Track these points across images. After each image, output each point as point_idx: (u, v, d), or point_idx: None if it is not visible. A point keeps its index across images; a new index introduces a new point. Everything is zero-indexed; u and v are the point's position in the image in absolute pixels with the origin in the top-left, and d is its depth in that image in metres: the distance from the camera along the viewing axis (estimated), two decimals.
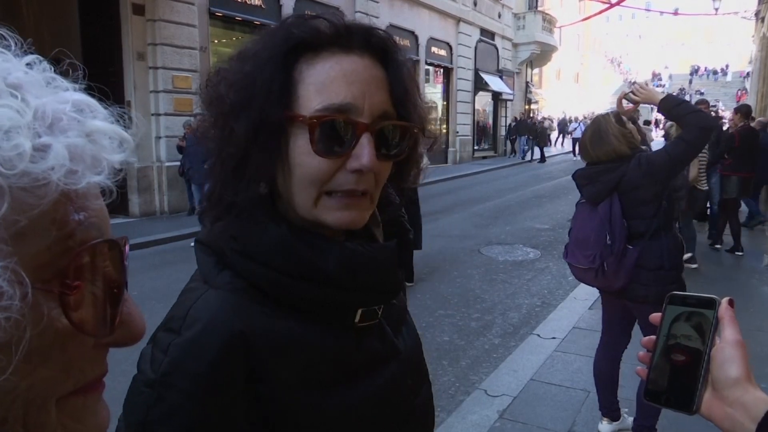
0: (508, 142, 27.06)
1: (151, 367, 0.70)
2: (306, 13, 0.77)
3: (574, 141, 25.42)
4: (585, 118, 27.79)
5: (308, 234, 0.75)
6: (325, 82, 0.72)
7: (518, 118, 26.80)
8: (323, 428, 0.76)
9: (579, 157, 14.71)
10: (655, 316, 0.81)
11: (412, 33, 19.50)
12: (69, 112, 0.41)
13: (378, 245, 0.82)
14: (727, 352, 0.72)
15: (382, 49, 0.77)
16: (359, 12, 16.21)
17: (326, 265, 0.74)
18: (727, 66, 62.90)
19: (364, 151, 0.72)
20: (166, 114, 11.14)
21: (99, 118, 0.44)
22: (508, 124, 27.32)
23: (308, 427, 0.75)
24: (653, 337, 0.80)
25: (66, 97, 0.43)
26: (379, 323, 0.85)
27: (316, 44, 0.73)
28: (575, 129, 26.35)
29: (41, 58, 0.44)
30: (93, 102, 0.45)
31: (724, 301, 0.76)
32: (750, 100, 18.71)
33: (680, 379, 0.76)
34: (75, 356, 0.41)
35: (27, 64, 0.42)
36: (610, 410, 3.36)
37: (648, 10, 58.25)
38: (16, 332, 0.36)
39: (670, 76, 65.64)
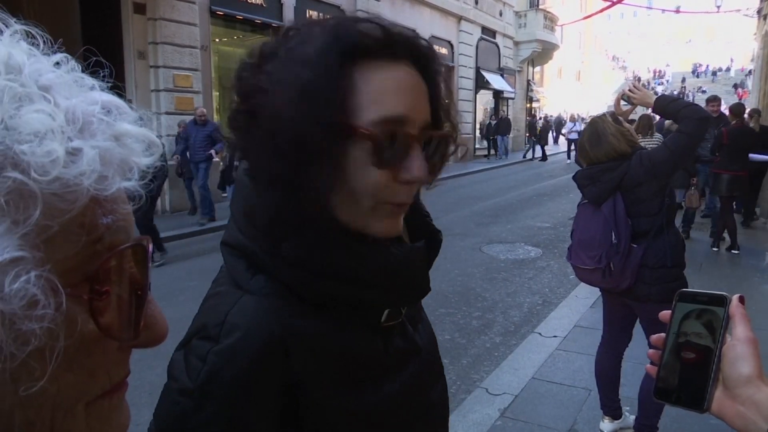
0: (486, 142, 24.83)
1: (187, 376, 0.69)
2: (357, 16, 0.75)
3: (569, 143, 22.99)
4: (577, 117, 25.51)
5: (341, 236, 0.74)
6: (379, 92, 0.70)
7: (499, 116, 25.03)
8: (355, 427, 0.77)
9: (573, 161, 14.64)
10: (665, 314, 0.80)
11: (413, 31, 19.44)
12: (98, 114, 0.41)
13: (409, 246, 0.82)
14: (738, 349, 0.72)
15: (424, 59, 0.76)
16: (360, 10, 16.14)
17: (361, 266, 0.74)
18: (732, 60, 62.82)
19: (415, 163, 0.72)
20: (167, 113, 11.14)
21: (127, 121, 0.43)
22: (487, 123, 25.02)
23: (341, 427, 0.76)
24: (662, 335, 0.80)
25: (95, 97, 0.42)
26: (402, 322, 0.85)
27: (368, 51, 0.71)
28: (571, 130, 23.36)
29: (69, 57, 0.43)
30: (121, 103, 0.44)
31: (735, 297, 0.76)
32: (752, 97, 18.67)
33: (691, 377, 0.75)
34: (101, 360, 0.41)
35: (56, 63, 0.42)
36: (612, 409, 3.36)
37: (650, 8, 58.16)
38: (50, 340, 0.35)
39: (664, 74, 65.77)
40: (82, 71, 0.45)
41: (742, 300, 0.76)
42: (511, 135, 24.72)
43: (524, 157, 24.47)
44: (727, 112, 8.80)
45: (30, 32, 0.41)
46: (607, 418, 3.37)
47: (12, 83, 0.37)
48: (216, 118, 12.58)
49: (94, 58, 0.48)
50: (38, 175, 0.35)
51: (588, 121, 3.34)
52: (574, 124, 23.40)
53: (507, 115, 25.98)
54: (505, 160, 23.14)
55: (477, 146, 24.77)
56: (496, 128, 24.17)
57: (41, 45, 0.42)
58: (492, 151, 24.37)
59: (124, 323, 0.41)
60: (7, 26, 0.40)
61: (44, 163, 0.35)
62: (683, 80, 61.42)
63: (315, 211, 0.71)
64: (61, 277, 0.36)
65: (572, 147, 22.52)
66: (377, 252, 0.75)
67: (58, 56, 0.42)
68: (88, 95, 0.42)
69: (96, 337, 0.39)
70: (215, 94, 12.67)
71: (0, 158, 0.35)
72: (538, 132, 24.55)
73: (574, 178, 3.15)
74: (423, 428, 0.88)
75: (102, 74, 0.46)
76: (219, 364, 0.68)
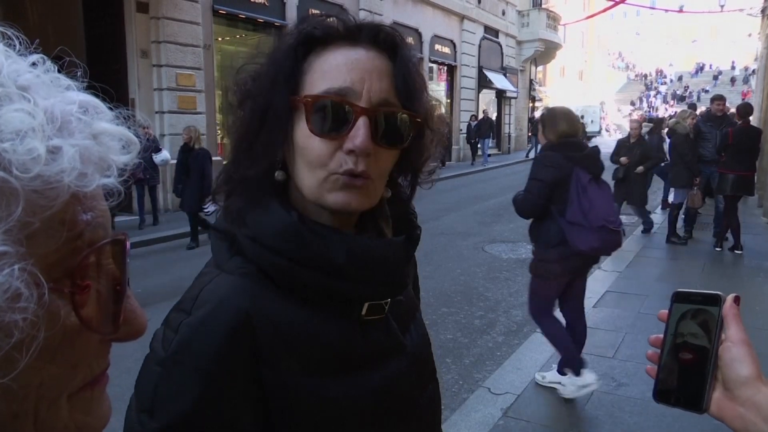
0: (466, 147, 22.08)
1: (162, 346, 0.73)
2: (324, 13, 0.83)
3: None
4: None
5: (317, 224, 0.78)
6: (328, 69, 0.77)
7: (480, 117, 22.16)
8: (323, 416, 0.78)
9: None
10: (663, 314, 0.81)
11: (416, 30, 19.48)
12: (76, 114, 0.42)
13: (386, 239, 0.85)
14: (734, 351, 0.71)
15: (390, 43, 0.80)
16: (363, 9, 16.18)
17: (333, 255, 0.76)
18: (734, 61, 62.67)
19: (358, 133, 0.74)
20: (170, 112, 11.16)
21: (105, 119, 0.44)
22: (467, 124, 22.20)
23: (308, 413, 0.77)
24: (660, 335, 0.80)
25: (72, 97, 0.43)
26: (386, 318, 0.86)
27: (326, 39, 0.78)
28: None
29: (45, 58, 0.44)
30: (98, 102, 0.45)
31: (729, 297, 0.75)
32: (756, 96, 18.62)
33: (689, 378, 0.75)
34: (83, 353, 0.42)
35: (32, 64, 0.42)
36: (584, 362, 3.68)
37: (653, 8, 57.97)
38: (31, 331, 0.36)
39: (665, 74, 65.87)
40: (64, 72, 0.46)
41: (737, 300, 0.75)
42: (513, 134, 23.87)
43: (527, 156, 24.41)
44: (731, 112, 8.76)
45: (5, 33, 0.42)
46: (584, 372, 3.62)
47: None
48: (218, 117, 12.60)
49: (67, 59, 0.48)
50: (20, 173, 0.36)
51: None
52: None
53: (489, 114, 23.41)
54: (508, 158, 22.23)
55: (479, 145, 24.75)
56: (477, 130, 21.35)
57: (17, 46, 0.42)
58: (498, 150, 22.34)
59: (104, 317, 0.43)
60: None
61: (26, 160, 0.36)
62: (680, 78, 61.68)
63: (262, 167, 0.78)
64: (44, 271, 0.37)
65: None
66: (344, 239, 0.77)
67: (34, 57, 0.43)
68: (66, 95, 0.43)
69: (78, 329, 0.40)
70: (218, 93, 12.68)
71: None
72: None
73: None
74: (406, 429, 0.88)
75: (93, 74, 0.47)
76: (189, 335, 0.72)
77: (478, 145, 21.67)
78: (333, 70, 0.76)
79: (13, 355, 0.36)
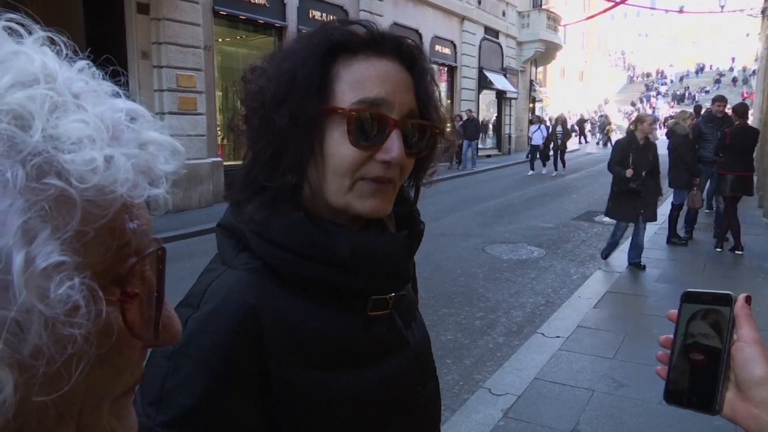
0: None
1: None
2: (344, 19, 0.84)
3: (533, 149, 19.39)
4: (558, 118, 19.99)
5: (323, 220, 0.80)
6: (360, 80, 0.78)
7: (465, 118, 19.74)
8: (326, 409, 0.79)
9: (536, 171, 13.65)
10: (672, 314, 0.80)
11: (416, 31, 19.43)
12: (124, 122, 0.42)
13: (389, 234, 0.88)
14: (747, 351, 0.71)
15: (410, 56, 0.83)
16: (363, 10, 16.19)
17: (338, 249, 0.78)
18: (733, 60, 62.69)
19: (394, 145, 0.78)
20: (170, 113, 11.16)
21: (152, 128, 0.44)
22: (453, 125, 18.07)
23: (312, 407, 0.78)
24: (670, 336, 0.79)
25: (119, 105, 0.43)
26: (390, 314, 0.88)
27: (353, 47, 0.80)
28: (534, 133, 19.26)
29: (90, 64, 0.43)
30: (143, 110, 0.45)
31: (741, 297, 0.75)
32: (756, 98, 18.62)
33: (701, 379, 0.74)
34: (128, 359, 0.42)
35: (79, 70, 0.42)
36: None
37: (653, 9, 57.98)
38: (84, 347, 0.36)
39: (665, 74, 65.95)
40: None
41: (748, 299, 0.74)
42: (513, 135, 23.48)
43: (527, 157, 24.36)
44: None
45: (52, 38, 0.41)
46: None
47: (50, 92, 0.37)
48: (219, 118, 12.60)
49: (89, 63, 0.48)
50: (78, 183, 0.36)
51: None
52: (538, 127, 19.20)
53: (477, 114, 21.60)
54: (509, 159, 21.88)
55: (480, 146, 24.74)
56: (462, 132, 18.75)
57: (63, 52, 0.42)
58: (498, 151, 20.73)
59: (146, 324, 0.43)
60: (31, 33, 0.40)
61: (83, 171, 0.36)
62: (681, 79, 61.92)
63: (288, 179, 0.79)
64: (95, 280, 0.37)
65: (537, 155, 19.13)
66: (348, 234, 0.80)
67: (81, 63, 0.42)
68: (112, 102, 0.42)
69: (125, 335, 0.41)
70: (218, 94, 12.68)
71: (43, 166, 0.35)
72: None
73: None
74: (407, 425, 0.89)
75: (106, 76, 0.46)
76: (196, 329, 0.74)
77: (465, 150, 19.36)
78: (366, 81, 0.78)
79: (62, 371, 0.36)
